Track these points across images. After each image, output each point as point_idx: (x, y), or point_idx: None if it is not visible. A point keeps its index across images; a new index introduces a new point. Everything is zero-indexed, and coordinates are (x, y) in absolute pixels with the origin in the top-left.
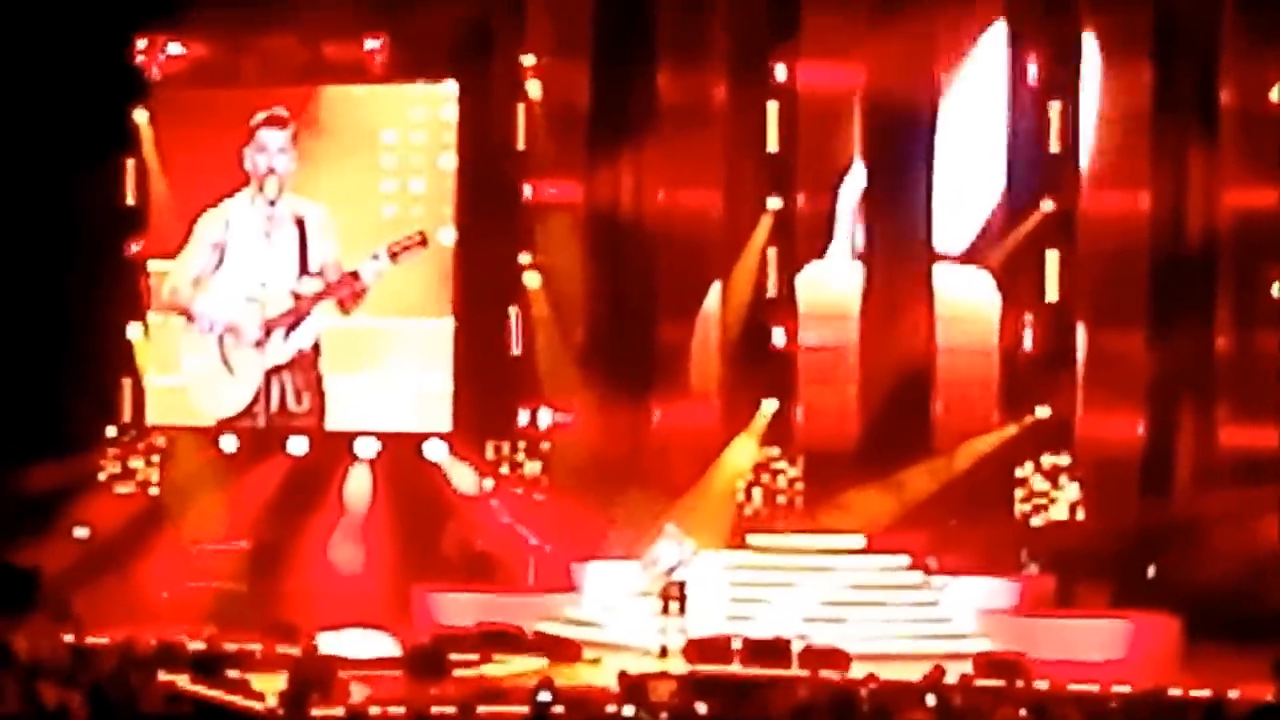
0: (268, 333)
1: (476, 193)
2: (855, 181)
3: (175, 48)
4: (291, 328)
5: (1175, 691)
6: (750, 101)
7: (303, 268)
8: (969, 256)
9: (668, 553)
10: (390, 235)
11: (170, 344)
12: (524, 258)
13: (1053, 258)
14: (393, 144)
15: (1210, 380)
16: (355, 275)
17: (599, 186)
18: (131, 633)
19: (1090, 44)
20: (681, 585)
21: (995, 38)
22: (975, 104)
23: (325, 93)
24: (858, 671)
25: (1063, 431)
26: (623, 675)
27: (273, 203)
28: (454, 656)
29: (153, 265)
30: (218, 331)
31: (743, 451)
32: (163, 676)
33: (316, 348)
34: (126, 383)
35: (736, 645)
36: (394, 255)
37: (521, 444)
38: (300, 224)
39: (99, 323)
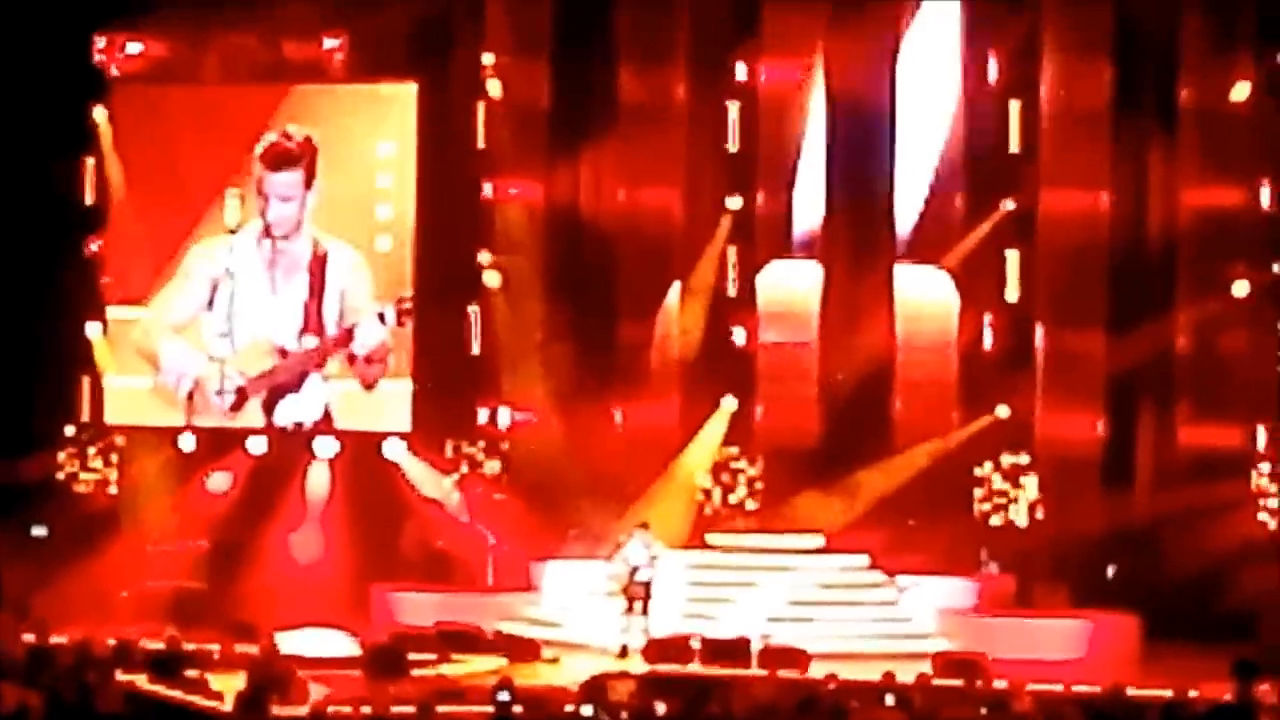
0: (241, 400)
1: (436, 191)
2: (816, 181)
3: (135, 46)
4: (276, 393)
5: (1134, 691)
6: (711, 101)
7: (310, 321)
8: (929, 256)
9: (636, 553)
10: (383, 276)
11: (132, 404)
12: (484, 256)
13: (1013, 257)
14: (391, 158)
15: (1170, 380)
16: (350, 338)
17: (559, 185)
18: (90, 632)
19: (1050, 43)
20: (646, 585)
21: (955, 37)
22: (935, 104)
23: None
24: (817, 671)
25: (1022, 431)
26: (592, 679)
27: (272, 236)
28: (413, 656)
29: (112, 313)
30: (185, 389)
31: (702, 451)
32: (121, 676)
33: (328, 421)
34: (85, 381)
35: (696, 645)
36: (404, 315)
37: (481, 443)
38: (318, 267)
39: (57, 322)
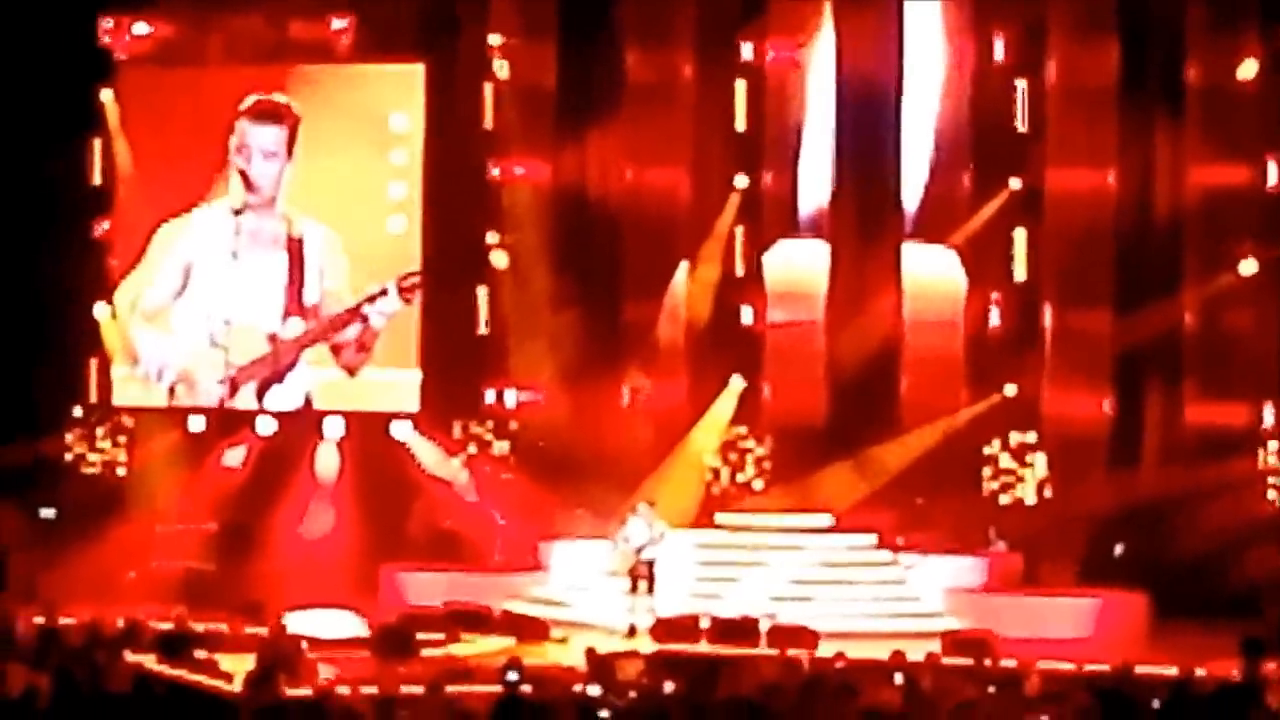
0: (233, 389)
1: (444, 172)
2: (823, 160)
3: (141, 27)
4: (268, 383)
5: (1142, 669)
6: (717, 80)
7: (291, 304)
8: (936, 235)
9: (638, 531)
10: (398, 260)
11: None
12: (491, 237)
13: (1020, 236)
14: (404, 132)
15: (1177, 358)
16: (356, 315)
17: (566, 166)
18: (99, 613)
19: (1056, 22)
20: (651, 564)
21: (962, 16)
22: (941, 82)
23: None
24: (826, 650)
25: (1030, 410)
26: (590, 653)
27: (239, 211)
28: (421, 636)
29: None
30: (168, 380)
31: (710, 430)
32: (130, 657)
33: (309, 411)
34: (93, 363)
35: (704, 624)
36: (406, 292)
37: (489, 423)
38: (296, 246)
39: (65, 303)
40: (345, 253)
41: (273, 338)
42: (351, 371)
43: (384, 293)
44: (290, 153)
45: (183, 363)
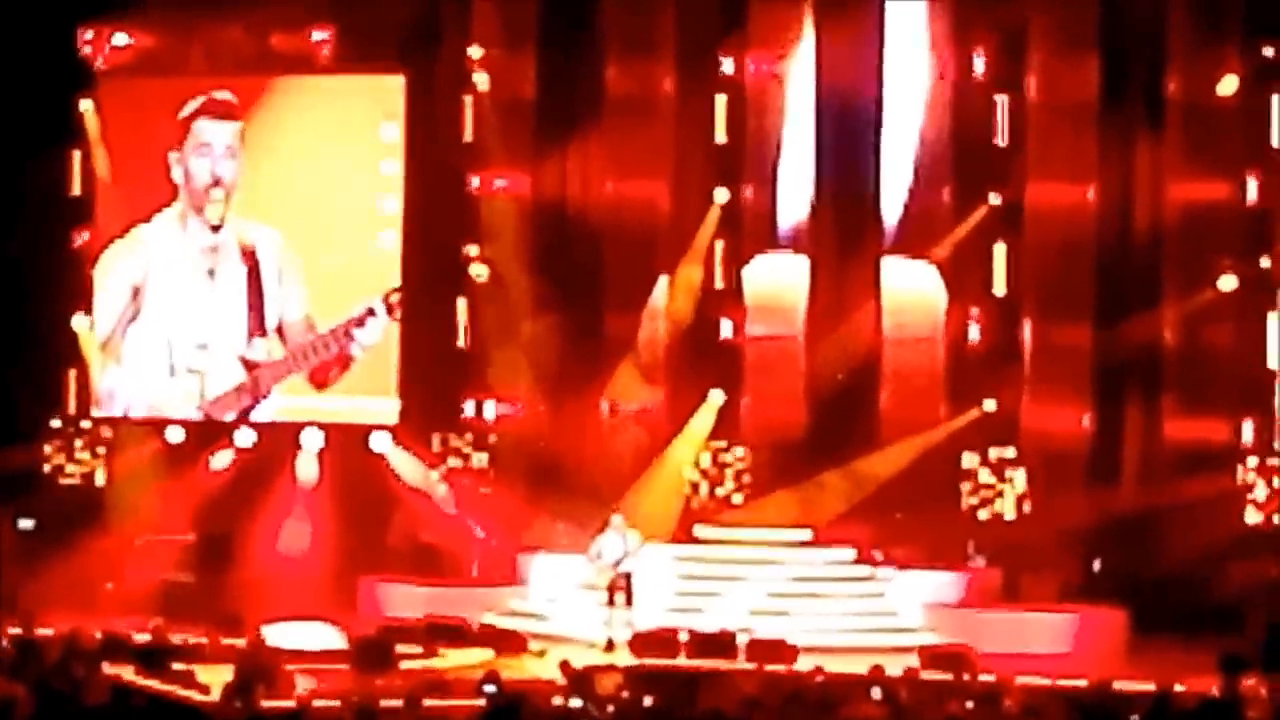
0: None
1: (424, 184)
2: (803, 174)
3: (121, 38)
4: (245, 411)
5: (1121, 684)
6: (698, 94)
7: (254, 323)
8: (916, 249)
9: (613, 545)
10: (380, 274)
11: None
12: (471, 249)
13: (1000, 251)
14: (394, 142)
15: (1157, 373)
16: (346, 335)
17: (546, 178)
18: (77, 625)
19: (1037, 36)
20: (627, 577)
21: (943, 30)
22: (922, 97)
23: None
24: (804, 664)
25: (1009, 424)
26: (565, 665)
27: (216, 228)
28: (400, 648)
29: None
30: (135, 417)
31: (690, 443)
32: (108, 669)
33: (289, 423)
34: (71, 374)
35: (683, 638)
36: (393, 309)
37: (468, 436)
38: (250, 259)
39: (44, 313)
40: (302, 264)
41: (246, 362)
42: (323, 386)
43: (371, 313)
44: (243, 148)
45: (149, 399)
